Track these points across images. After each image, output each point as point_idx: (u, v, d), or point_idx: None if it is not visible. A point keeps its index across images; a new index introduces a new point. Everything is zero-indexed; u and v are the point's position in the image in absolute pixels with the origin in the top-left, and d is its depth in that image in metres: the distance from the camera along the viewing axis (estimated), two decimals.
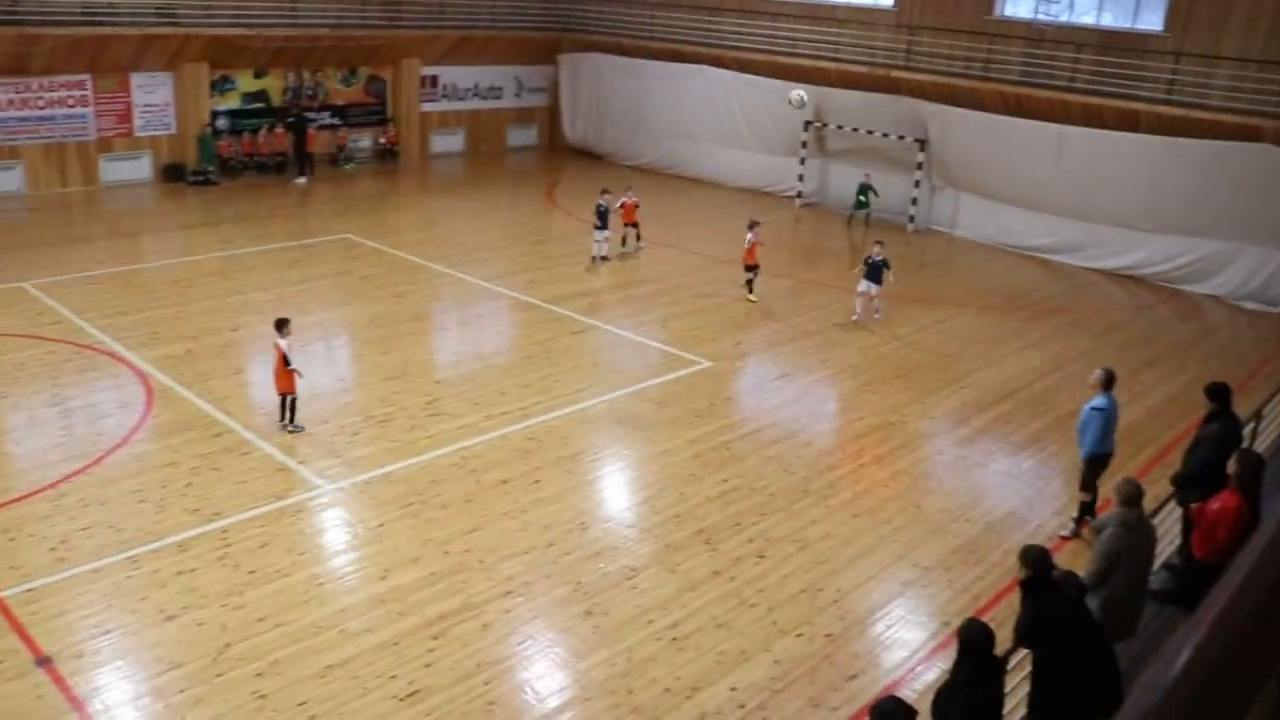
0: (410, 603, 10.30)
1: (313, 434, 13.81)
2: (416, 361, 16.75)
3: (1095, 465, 12.10)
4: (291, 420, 13.87)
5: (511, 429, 14.35)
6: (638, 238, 23.91)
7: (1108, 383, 11.86)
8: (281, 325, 13.81)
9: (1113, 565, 8.44)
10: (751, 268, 20.45)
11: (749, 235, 20.31)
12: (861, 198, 27.41)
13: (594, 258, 22.73)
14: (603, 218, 22.36)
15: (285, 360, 13.61)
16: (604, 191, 22.91)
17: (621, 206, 23.32)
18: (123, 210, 25.41)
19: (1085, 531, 12.15)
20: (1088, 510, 12.31)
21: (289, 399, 13.81)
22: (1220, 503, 9.19)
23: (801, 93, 23.90)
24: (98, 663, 9.17)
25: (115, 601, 10.05)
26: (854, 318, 19.59)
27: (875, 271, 19.16)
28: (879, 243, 19.76)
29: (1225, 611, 0.95)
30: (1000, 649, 7.19)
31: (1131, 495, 8.67)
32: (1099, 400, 11.84)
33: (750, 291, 20.58)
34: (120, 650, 9.37)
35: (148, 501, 11.89)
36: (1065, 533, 12.39)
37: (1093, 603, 8.37)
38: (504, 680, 9.29)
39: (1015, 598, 8.44)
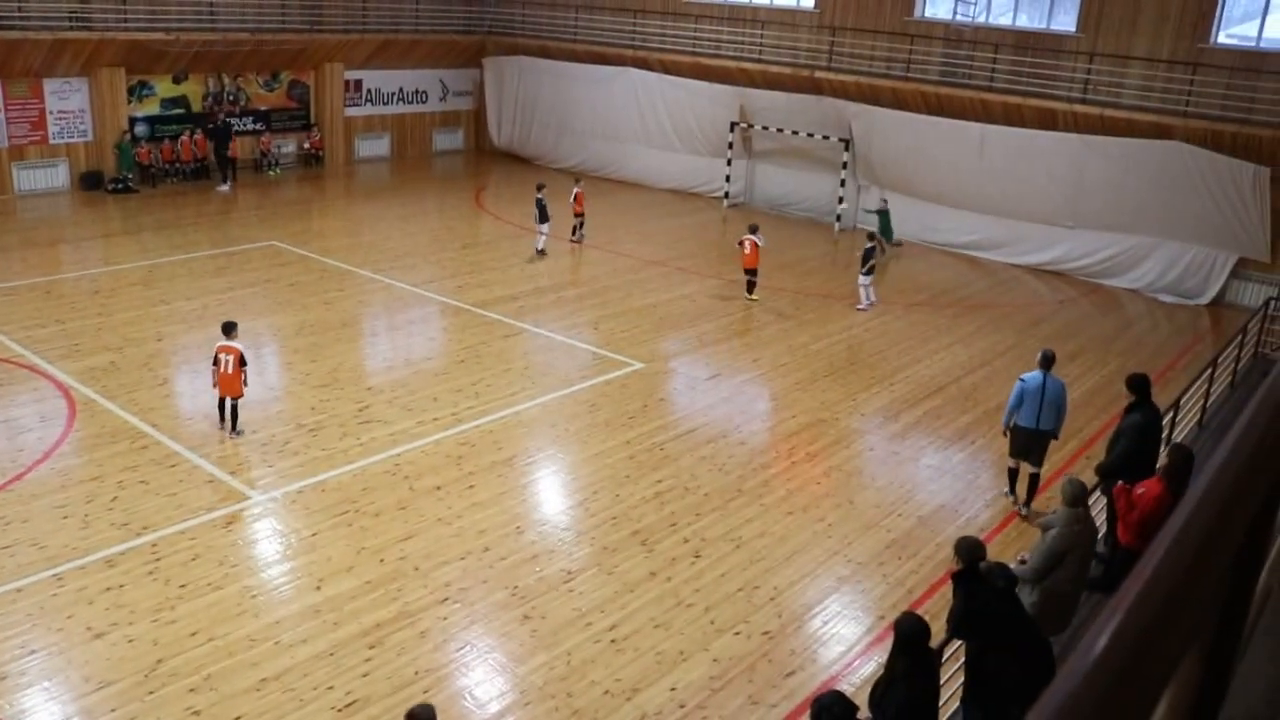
0: (346, 612, 10.21)
1: (243, 444, 13.62)
2: (347, 369, 16.58)
3: (1013, 436, 12.61)
4: (234, 426, 13.80)
5: (444, 434, 14.27)
6: (580, 226, 24.79)
7: (1042, 362, 12.41)
8: (231, 329, 13.92)
9: (1055, 564, 8.65)
10: (750, 271, 20.95)
11: (756, 239, 20.83)
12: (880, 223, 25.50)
13: (538, 250, 23.38)
14: (543, 212, 23.10)
15: (243, 361, 13.65)
16: (540, 186, 23.37)
17: (575, 198, 24.49)
18: (39, 219, 24.80)
19: (1030, 510, 12.76)
20: (1011, 479, 13.01)
21: (236, 403, 13.79)
22: (1144, 488, 9.45)
23: None
24: (23, 684, 8.96)
25: (40, 620, 9.82)
26: (870, 304, 20.96)
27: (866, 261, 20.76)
28: (870, 235, 21.59)
29: (1140, 596, 1.00)
30: (934, 641, 7.32)
31: (1077, 495, 8.87)
32: (1027, 374, 12.47)
33: (750, 292, 21.10)
34: (47, 670, 9.16)
35: (72, 517, 11.63)
36: (1007, 490, 13.20)
37: (1033, 596, 8.56)
38: (443, 687, 9.25)
39: (949, 590, 8.60)
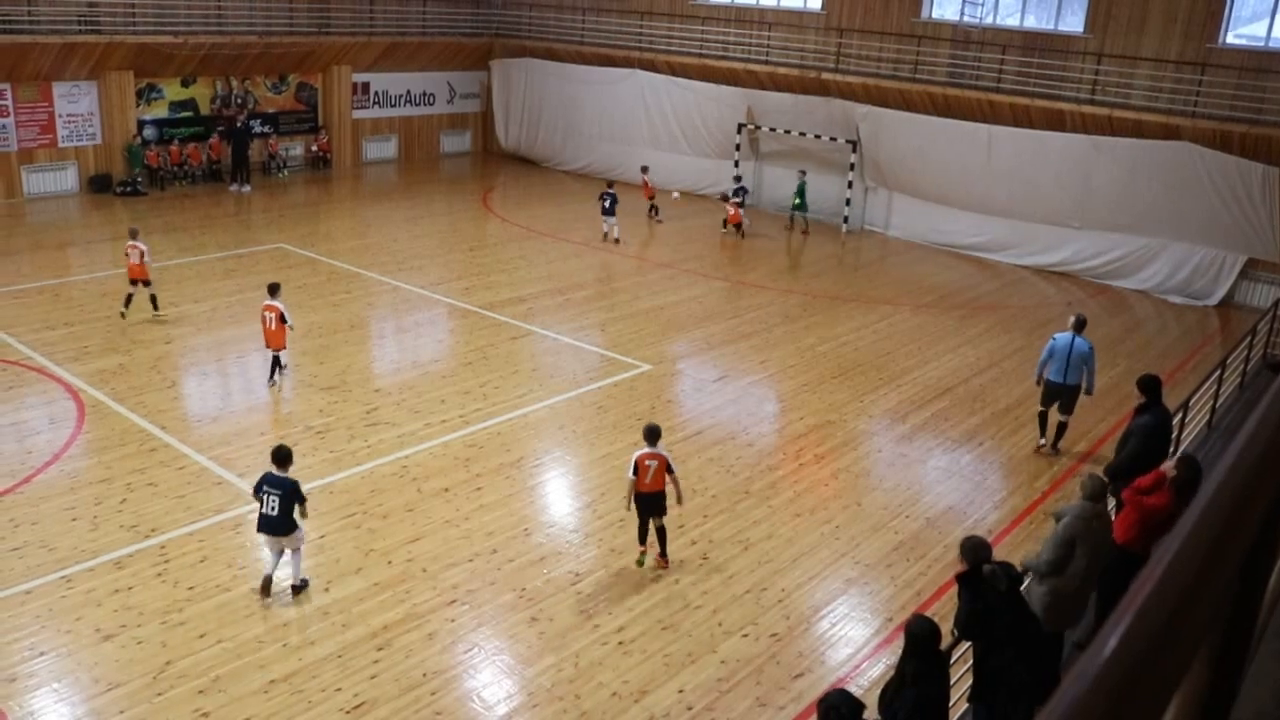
0: (354, 614, 10.22)
1: (251, 446, 13.64)
2: (354, 371, 16.60)
3: (1044, 388, 14.38)
4: (273, 374, 15.67)
5: (452, 436, 14.28)
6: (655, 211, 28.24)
7: (1074, 325, 14.14)
8: (275, 290, 15.67)
9: (1066, 552, 8.46)
10: (735, 224, 26.32)
11: (737, 201, 26.39)
12: (798, 199, 27.42)
13: (613, 238, 25.29)
14: (613, 204, 25.11)
15: (283, 318, 15.33)
16: (611, 184, 26.32)
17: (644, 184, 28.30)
18: (48, 222, 24.87)
19: (1057, 450, 14.64)
20: (1041, 422, 14.73)
21: (279, 354, 15.63)
22: (1156, 500, 9.39)
23: None
24: (32, 686, 8.98)
25: (49, 623, 9.84)
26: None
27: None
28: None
29: (1150, 599, 1.00)
30: (943, 643, 7.31)
31: (1096, 491, 8.71)
32: (1059, 333, 14.29)
33: (725, 227, 26.68)
34: (56, 672, 9.18)
35: (81, 519, 11.66)
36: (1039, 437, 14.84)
37: (1042, 586, 8.48)
38: (450, 689, 9.25)
39: (956, 592, 8.56)
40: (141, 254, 17.80)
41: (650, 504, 11.12)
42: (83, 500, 12.07)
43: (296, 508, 10.32)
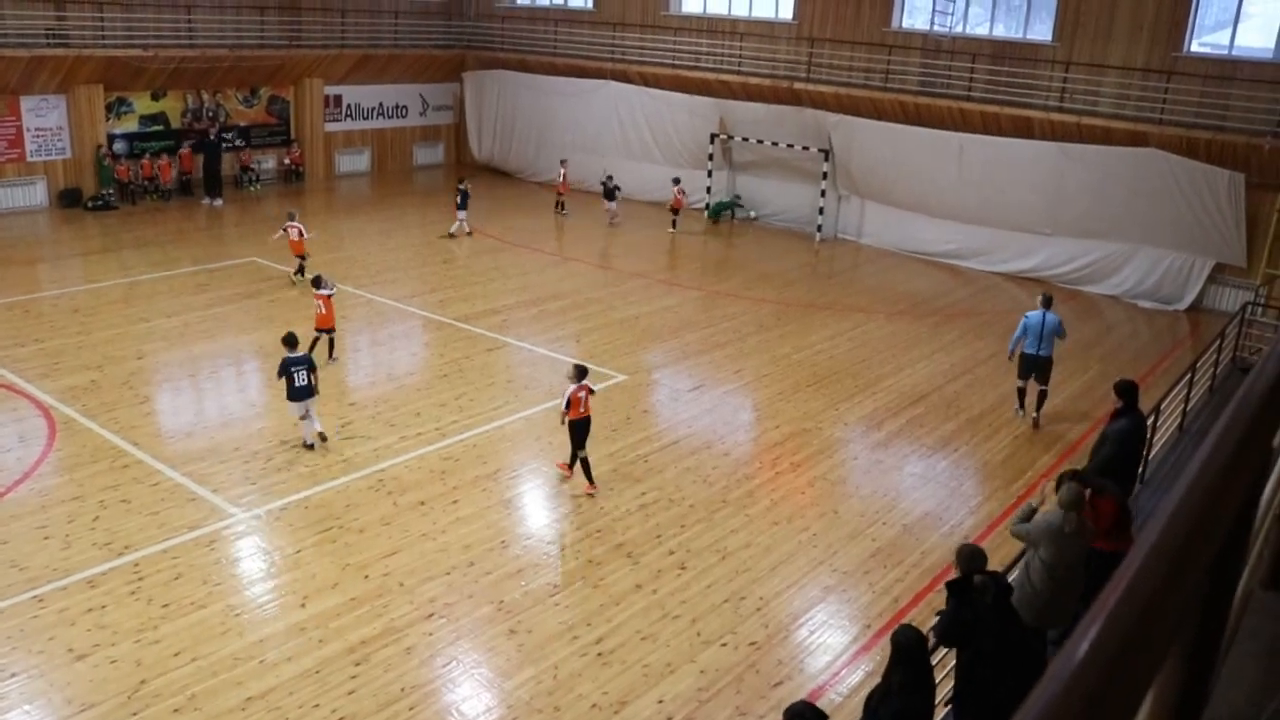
0: (331, 629, 10.16)
1: (225, 462, 13.55)
2: (329, 384, 16.46)
3: (1019, 362, 15.70)
4: (330, 353, 17.22)
5: (428, 449, 14.24)
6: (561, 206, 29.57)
7: (1043, 302, 15.54)
8: (318, 282, 17.16)
9: (1027, 543, 8.53)
10: (676, 211, 27.91)
11: (680, 189, 27.97)
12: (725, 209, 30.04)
13: (463, 233, 26.51)
14: (463, 199, 26.33)
15: (330, 298, 17.02)
16: (462, 179, 28.10)
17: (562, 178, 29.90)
18: (17, 238, 24.62)
19: (1040, 419, 15.79)
20: (1020, 396, 16.04)
21: (331, 335, 17.19)
22: (1100, 506, 9.46)
23: None
24: (3, 709, 8.86)
25: (21, 643, 9.73)
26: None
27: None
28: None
29: (1120, 602, 1.01)
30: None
31: (1071, 500, 8.56)
32: (1030, 311, 15.63)
33: (674, 227, 27.88)
34: (27, 694, 9.07)
35: (53, 537, 11.54)
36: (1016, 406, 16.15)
37: (1020, 575, 8.46)
38: (429, 704, 9.21)
39: (936, 598, 8.61)
40: (300, 232, 21.09)
41: (586, 429, 13.11)
42: (54, 518, 11.95)
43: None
